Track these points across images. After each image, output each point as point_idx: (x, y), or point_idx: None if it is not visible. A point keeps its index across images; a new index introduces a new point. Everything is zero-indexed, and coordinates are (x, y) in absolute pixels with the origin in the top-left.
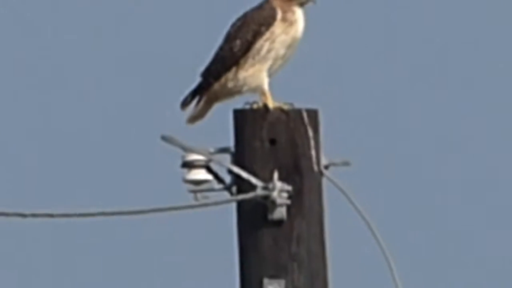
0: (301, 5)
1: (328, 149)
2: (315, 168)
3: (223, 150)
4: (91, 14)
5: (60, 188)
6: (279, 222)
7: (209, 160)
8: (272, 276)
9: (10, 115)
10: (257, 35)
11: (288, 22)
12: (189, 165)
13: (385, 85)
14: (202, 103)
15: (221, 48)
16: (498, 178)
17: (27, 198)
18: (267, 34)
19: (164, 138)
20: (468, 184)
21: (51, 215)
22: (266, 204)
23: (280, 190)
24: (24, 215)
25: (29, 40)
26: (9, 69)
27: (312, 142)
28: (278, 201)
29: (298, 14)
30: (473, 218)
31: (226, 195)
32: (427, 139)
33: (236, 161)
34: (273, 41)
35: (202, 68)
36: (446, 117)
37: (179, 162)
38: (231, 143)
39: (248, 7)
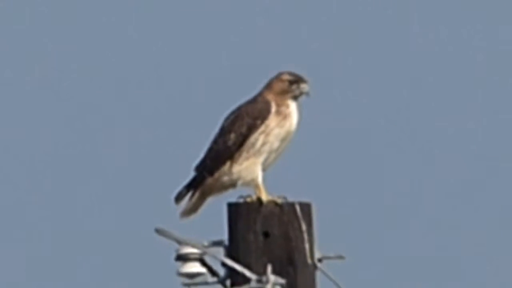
0: (295, 98)
1: (322, 242)
2: (309, 261)
3: (217, 243)
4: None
5: (54, 280)
6: None
7: (203, 253)
8: None
9: None
10: (252, 128)
11: (282, 115)
12: (183, 258)
13: (377, 179)
14: (196, 197)
15: (215, 142)
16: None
17: None
18: (262, 128)
19: (158, 231)
20: (464, 271)
21: None
22: None
23: (274, 283)
24: None
25: None
26: None
27: (305, 236)
28: None
29: (292, 107)
30: None
31: None
32: (419, 230)
33: (230, 254)
34: (267, 135)
35: (196, 162)
36: (437, 208)
37: (173, 255)
38: (225, 236)
39: (241, 100)
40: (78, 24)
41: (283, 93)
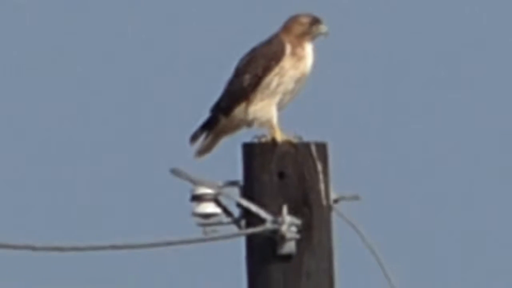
0: (312, 39)
1: (338, 182)
2: (324, 202)
3: (232, 183)
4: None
5: (69, 222)
6: (288, 257)
7: (218, 194)
8: None
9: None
10: (267, 69)
11: (297, 56)
12: (198, 198)
13: (394, 118)
14: (210, 137)
15: (230, 83)
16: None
17: (37, 231)
18: (277, 69)
19: (173, 171)
20: (478, 222)
21: (61, 249)
22: (275, 238)
23: (289, 224)
24: (34, 248)
25: None
26: None
27: (321, 176)
28: (288, 235)
29: (308, 49)
30: (485, 253)
31: (235, 228)
32: (437, 172)
33: (245, 194)
34: (282, 76)
35: (211, 103)
36: (456, 150)
37: (188, 196)
38: (239, 176)
39: (256, 41)
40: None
41: (302, 35)
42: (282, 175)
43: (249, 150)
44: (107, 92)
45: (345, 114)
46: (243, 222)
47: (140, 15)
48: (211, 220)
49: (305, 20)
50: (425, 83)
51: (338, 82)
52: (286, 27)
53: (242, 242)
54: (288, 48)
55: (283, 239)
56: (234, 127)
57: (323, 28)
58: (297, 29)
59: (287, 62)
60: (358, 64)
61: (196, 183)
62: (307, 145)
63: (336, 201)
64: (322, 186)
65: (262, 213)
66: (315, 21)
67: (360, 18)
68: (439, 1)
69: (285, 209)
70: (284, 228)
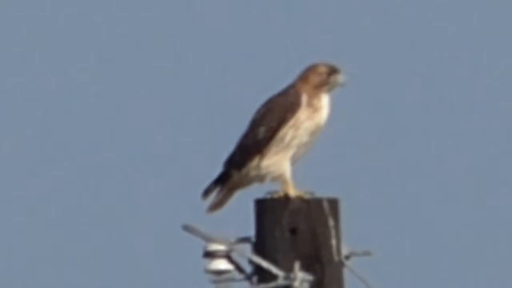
0: (330, 90)
1: (349, 238)
2: (336, 258)
3: (244, 239)
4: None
5: (80, 277)
6: None
7: (230, 250)
8: None
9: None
10: (282, 121)
11: (313, 108)
12: (210, 255)
13: (406, 175)
14: (223, 192)
15: (244, 137)
16: None
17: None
18: (292, 121)
19: (185, 228)
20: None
21: None
22: None
23: (301, 280)
24: None
25: None
26: None
27: (333, 232)
28: None
29: (324, 101)
30: None
31: (247, 285)
32: (448, 230)
33: (257, 250)
34: (297, 128)
35: (225, 157)
36: (467, 206)
37: (201, 252)
38: (252, 232)
39: (274, 91)
40: None
41: (320, 85)
42: (294, 231)
43: (261, 206)
44: (118, 147)
45: (356, 169)
46: (255, 278)
47: (157, 63)
48: (224, 276)
49: (323, 70)
50: (436, 133)
51: (350, 136)
52: (303, 77)
53: None
54: (304, 99)
55: None
56: (246, 182)
57: (340, 78)
58: (315, 79)
59: (302, 113)
60: (373, 118)
61: (208, 239)
62: (319, 201)
63: (347, 257)
64: (333, 241)
65: (274, 269)
66: (333, 71)
67: (377, 67)
68: (440, 1)
69: (297, 265)
70: (296, 284)
